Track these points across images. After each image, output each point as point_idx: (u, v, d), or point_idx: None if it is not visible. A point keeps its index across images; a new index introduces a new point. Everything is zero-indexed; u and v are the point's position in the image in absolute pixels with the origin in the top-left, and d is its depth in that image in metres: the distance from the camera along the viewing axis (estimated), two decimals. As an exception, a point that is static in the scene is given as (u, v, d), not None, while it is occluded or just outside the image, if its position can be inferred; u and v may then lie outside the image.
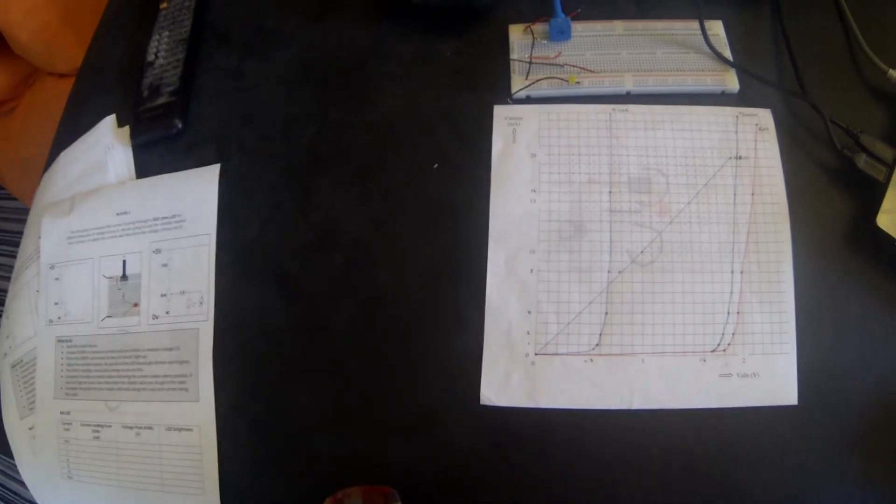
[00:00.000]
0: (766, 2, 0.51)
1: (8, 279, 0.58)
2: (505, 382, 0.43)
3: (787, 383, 0.42)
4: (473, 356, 0.43)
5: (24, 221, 0.59)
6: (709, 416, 0.42)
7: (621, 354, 0.43)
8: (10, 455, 0.52)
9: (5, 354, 0.55)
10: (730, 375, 0.42)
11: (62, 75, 0.85)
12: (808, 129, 0.47)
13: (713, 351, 0.43)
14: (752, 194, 0.45)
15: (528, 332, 0.43)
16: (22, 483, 0.52)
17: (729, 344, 0.43)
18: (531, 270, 0.44)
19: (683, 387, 0.42)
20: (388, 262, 0.46)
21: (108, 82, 0.58)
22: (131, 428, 0.48)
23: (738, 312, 0.43)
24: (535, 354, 0.43)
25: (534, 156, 0.47)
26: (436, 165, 0.47)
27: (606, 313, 0.43)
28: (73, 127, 0.57)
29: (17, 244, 0.59)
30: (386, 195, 0.48)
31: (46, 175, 0.58)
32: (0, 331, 0.56)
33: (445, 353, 0.44)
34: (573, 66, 0.48)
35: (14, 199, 1.23)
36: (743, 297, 0.43)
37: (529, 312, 0.44)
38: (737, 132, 0.47)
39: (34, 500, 0.52)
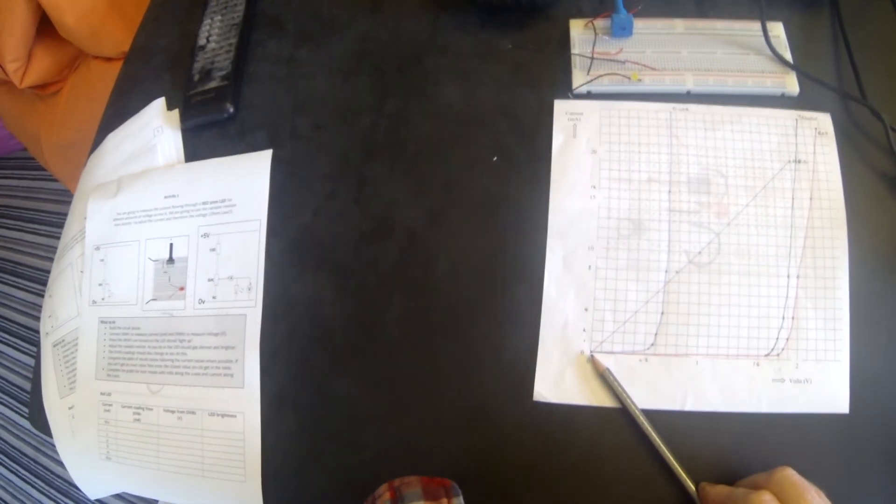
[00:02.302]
0: (826, 6, 0.50)
1: (49, 259, 0.58)
2: (559, 380, 0.43)
3: (839, 391, 0.41)
4: (528, 352, 0.43)
5: (63, 203, 0.59)
6: (759, 420, 0.41)
7: (676, 355, 0.42)
8: (49, 433, 0.52)
9: (47, 334, 0.55)
10: (783, 381, 0.42)
11: (108, 59, 0.85)
12: (868, 136, 0.46)
13: (767, 355, 0.42)
14: (811, 199, 0.45)
15: (584, 330, 0.43)
16: (55, 460, 0.52)
17: (783, 349, 0.42)
18: (589, 267, 0.44)
19: (737, 390, 0.42)
20: (443, 254, 0.46)
21: (157, 66, 0.58)
22: (173, 412, 0.48)
23: (793, 318, 0.43)
24: (591, 352, 0.43)
25: (594, 152, 0.46)
26: (495, 158, 0.47)
27: (663, 313, 0.43)
28: (120, 109, 0.57)
29: (57, 225, 0.59)
30: (443, 187, 0.47)
31: (93, 156, 0.58)
32: (42, 310, 0.56)
33: (500, 349, 0.44)
34: (635, 62, 0.48)
35: (54, 180, 1.24)
36: (798, 303, 0.43)
37: (586, 310, 0.43)
38: (796, 136, 0.46)
39: (69, 478, 0.52)
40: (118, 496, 1.05)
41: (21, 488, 1.21)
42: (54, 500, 1.19)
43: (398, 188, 0.48)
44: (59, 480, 1.19)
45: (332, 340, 0.46)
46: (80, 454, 0.51)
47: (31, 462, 1.23)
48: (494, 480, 0.42)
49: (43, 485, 1.20)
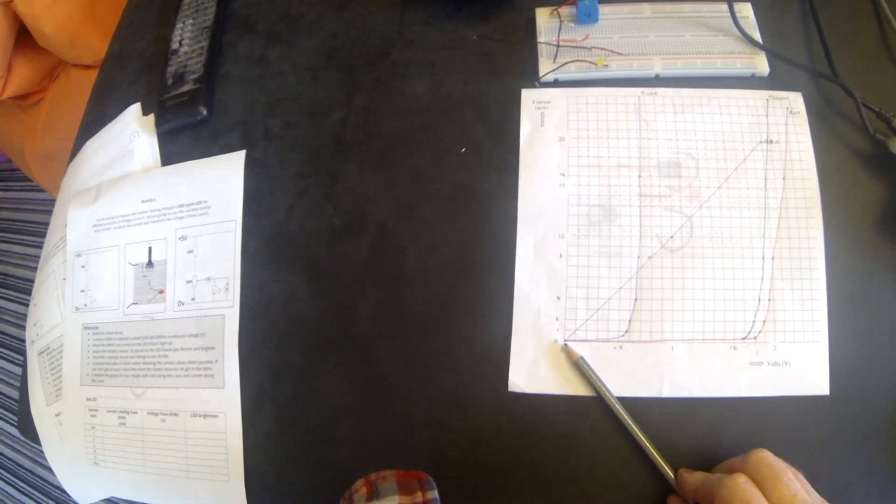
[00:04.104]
0: (795, -16, 0.50)
1: (36, 269, 0.59)
2: (533, 369, 0.42)
3: (819, 372, 0.41)
4: (502, 343, 0.43)
5: (51, 212, 0.59)
6: (739, 404, 0.41)
7: (651, 341, 0.42)
8: (38, 441, 0.53)
9: (33, 342, 0.55)
10: (760, 364, 0.42)
11: (87, 67, 0.86)
12: (840, 113, 0.46)
13: (744, 339, 0.42)
14: (784, 179, 0.44)
15: (556, 319, 0.43)
16: (49, 469, 0.52)
17: (760, 332, 0.42)
18: (560, 255, 0.44)
19: (714, 375, 0.42)
20: (415, 247, 0.46)
21: (132, 71, 0.59)
22: (157, 414, 0.48)
23: (769, 300, 0.43)
24: (565, 341, 0.43)
25: (562, 139, 0.46)
26: (463, 149, 0.47)
27: (636, 299, 0.43)
28: (98, 116, 0.58)
29: (45, 235, 0.60)
30: (413, 180, 0.47)
31: (72, 164, 0.58)
32: (28, 319, 0.57)
33: (474, 340, 0.44)
34: (601, 48, 0.47)
35: (41, 190, 1.24)
36: (774, 284, 0.43)
37: (559, 298, 0.43)
38: (767, 116, 0.46)
39: (61, 486, 0.52)
40: (109, 502, 1.06)
41: (19, 500, 1.22)
42: (51, 512, 1.20)
43: (368, 183, 0.48)
44: (57, 491, 1.19)
45: (308, 337, 0.46)
46: (68, 461, 0.51)
47: (29, 474, 1.23)
48: (472, 471, 0.42)
49: (40, 496, 1.21)
